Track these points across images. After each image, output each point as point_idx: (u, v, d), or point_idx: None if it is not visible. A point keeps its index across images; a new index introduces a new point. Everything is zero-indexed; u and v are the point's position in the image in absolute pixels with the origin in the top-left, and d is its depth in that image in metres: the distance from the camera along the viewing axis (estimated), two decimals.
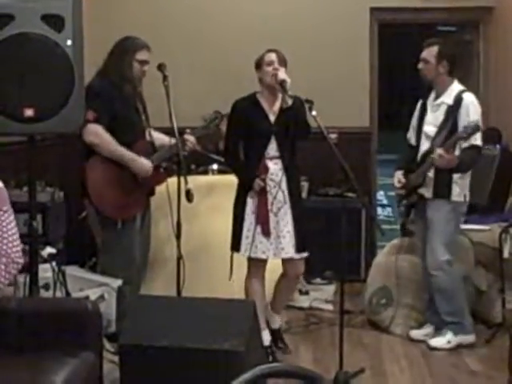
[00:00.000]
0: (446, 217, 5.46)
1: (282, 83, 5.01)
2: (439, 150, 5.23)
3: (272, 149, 5.19)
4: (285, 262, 5.29)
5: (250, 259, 5.23)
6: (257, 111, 5.23)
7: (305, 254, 5.29)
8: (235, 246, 5.22)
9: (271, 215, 5.15)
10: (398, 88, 25.30)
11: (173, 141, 5.14)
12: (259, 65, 5.24)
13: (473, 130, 5.13)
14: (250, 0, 7.78)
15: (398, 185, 5.71)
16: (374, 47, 7.93)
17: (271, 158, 5.19)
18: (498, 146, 6.81)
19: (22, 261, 3.65)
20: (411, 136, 5.77)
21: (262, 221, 5.12)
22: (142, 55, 5.28)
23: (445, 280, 5.48)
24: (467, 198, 5.52)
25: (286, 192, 5.19)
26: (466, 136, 5.16)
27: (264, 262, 5.24)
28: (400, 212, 5.81)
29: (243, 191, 5.22)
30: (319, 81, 7.43)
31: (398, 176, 5.70)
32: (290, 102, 5.04)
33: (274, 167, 5.18)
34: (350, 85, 7.73)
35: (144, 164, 5.25)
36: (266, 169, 5.15)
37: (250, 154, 5.27)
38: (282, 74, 5.05)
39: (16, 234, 3.65)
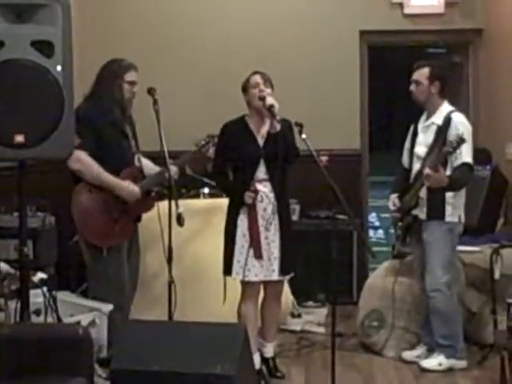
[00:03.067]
0: (442, 238, 5.48)
1: (271, 108, 5.00)
2: (426, 170, 5.24)
3: (261, 172, 5.20)
4: (266, 283, 5.29)
5: (243, 283, 5.22)
6: (245, 134, 5.24)
7: (287, 276, 5.33)
8: (226, 269, 5.22)
9: (262, 237, 5.14)
10: (390, 110, 25.43)
11: (158, 168, 5.20)
12: (245, 88, 5.26)
13: (458, 142, 5.13)
14: (241, 24, 7.81)
15: (392, 208, 5.72)
16: (364, 70, 7.97)
17: (260, 181, 5.19)
18: (488, 167, 6.83)
19: None
20: (405, 159, 5.80)
21: (255, 244, 5.11)
22: (130, 76, 5.27)
23: (442, 302, 5.49)
24: (462, 219, 5.54)
25: (276, 214, 5.20)
26: (452, 150, 5.15)
27: (257, 284, 5.24)
28: (397, 235, 5.81)
29: (234, 213, 5.22)
30: (310, 104, 7.47)
31: (393, 199, 5.72)
32: (278, 127, 5.04)
33: (264, 190, 5.19)
34: (341, 107, 7.77)
35: (131, 189, 5.20)
36: (256, 191, 5.15)
37: (239, 177, 5.27)
38: (269, 100, 5.04)
39: None
